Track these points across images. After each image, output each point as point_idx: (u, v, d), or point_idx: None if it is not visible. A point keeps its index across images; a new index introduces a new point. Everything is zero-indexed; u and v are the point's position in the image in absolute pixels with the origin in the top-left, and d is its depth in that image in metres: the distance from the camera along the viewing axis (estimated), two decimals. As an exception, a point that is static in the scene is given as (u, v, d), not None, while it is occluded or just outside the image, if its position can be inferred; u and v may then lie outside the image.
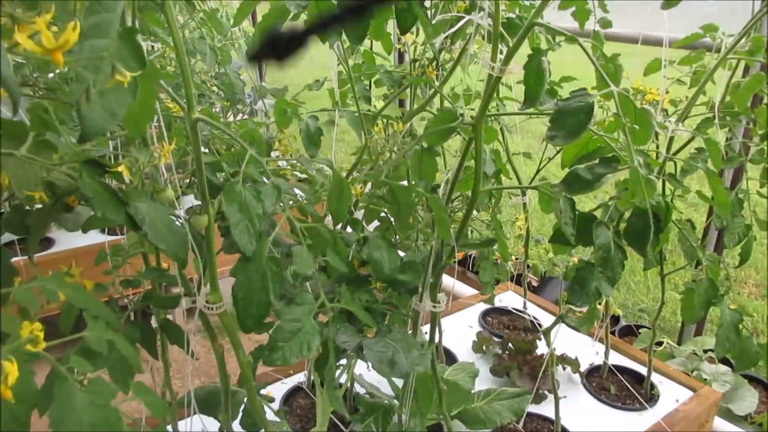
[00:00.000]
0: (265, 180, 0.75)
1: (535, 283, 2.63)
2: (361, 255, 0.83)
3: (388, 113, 1.15)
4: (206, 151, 0.97)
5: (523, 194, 1.50)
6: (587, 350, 1.59)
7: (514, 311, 1.80)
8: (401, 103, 1.62)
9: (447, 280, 1.94)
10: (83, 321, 0.62)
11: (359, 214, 1.00)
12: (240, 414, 0.93)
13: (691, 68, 1.23)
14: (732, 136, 1.24)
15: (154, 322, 0.89)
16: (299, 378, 1.43)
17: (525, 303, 1.79)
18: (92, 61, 0.42)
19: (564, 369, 1.50)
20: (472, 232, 1.40)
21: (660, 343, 2.16)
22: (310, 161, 0.88)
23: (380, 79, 1.23)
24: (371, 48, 1.27)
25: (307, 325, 0.69)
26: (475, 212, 1.25)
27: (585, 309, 1.26)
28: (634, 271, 3.10)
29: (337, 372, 1.19)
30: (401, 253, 0.94)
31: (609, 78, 0.67)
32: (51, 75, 0.82)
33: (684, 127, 1.08)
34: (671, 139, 1.09)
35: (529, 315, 1.75)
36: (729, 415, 1.77)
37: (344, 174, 1.11)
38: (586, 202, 3.22)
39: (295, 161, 0.93)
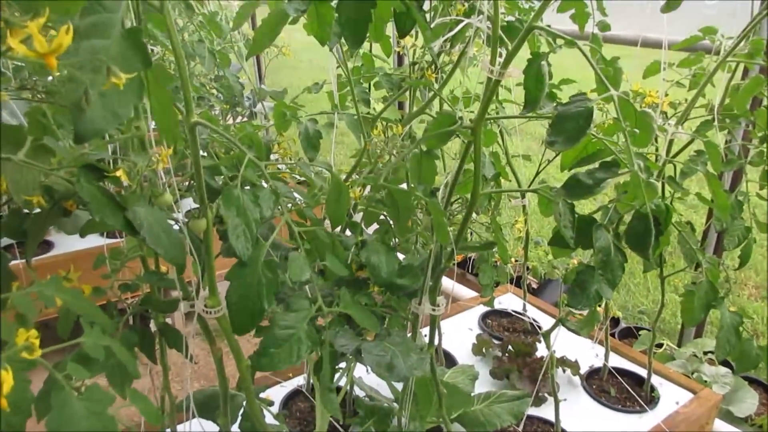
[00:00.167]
0: (263, 184, 0.75)
1: (535, 285, 2.62)
2: (359, 258, 0.83)
3: (387, 116, 1.15)
4: (205, 154, 0.97)
5: (523, 196, 1.49)
6: (587, 352, 1.59)
7: (513, 313, 1.80)
8: (401, 106, 1.62)
9: (446, 283, 1.94)
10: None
11: (358, 217, 1.00)
12: (239, 417, 0.93)
13: (691, 71, 1.23)
14: (731, 138, 1.24)
15: (153, 326, 0.89)
16: (299, 381, 1.43)
17: (525, 305, 1.79)
18: (91, 62, 0.42)
19: (564, 371, 1.50)
20: (471, 234, 1.40)
21: (660, 345, 2.16)
22: (309, 165, 0.87)
23: (380, 82, 1.23)
24: (371, 51, 1.27)
25: (300, 332, 0.69)
26: (474, 215, 1.25)
27: (585, 312, 1.26)
28: (633, 273, 3.10)
29: (337, 375, 1.19)
30: (401, 256, 0.94)
31: (609, 81, 0.67)
32: (50, 78, 0.82)
33: (683, 130, 1.08)
34: (671, 142, 1.09)
35: (528, 317, 1.75)
36: (729, 417, 1.77)
37: (343, 177, 1.11)
38: (585, 204, 3.21)
39: (293, 164, 0.93)
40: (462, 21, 0.89)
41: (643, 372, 1.49)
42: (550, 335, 1.20)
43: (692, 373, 1.93)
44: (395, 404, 1.16)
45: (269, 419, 0.95)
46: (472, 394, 1.26)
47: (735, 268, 1.32)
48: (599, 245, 0.77)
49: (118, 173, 0.66)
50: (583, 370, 1.51)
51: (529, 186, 1.39)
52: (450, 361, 1.56)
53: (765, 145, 1.16)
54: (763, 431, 1.79)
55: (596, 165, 0.78)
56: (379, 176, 0.90)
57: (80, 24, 0.42)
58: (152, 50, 1.17)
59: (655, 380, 1.48)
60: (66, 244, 2.25)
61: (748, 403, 1.82)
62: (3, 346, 0.45)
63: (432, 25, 0.94)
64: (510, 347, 1.52)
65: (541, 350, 1.51)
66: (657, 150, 1.11)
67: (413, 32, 1.09)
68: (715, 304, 1.07)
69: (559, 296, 1.85)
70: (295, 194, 0.88)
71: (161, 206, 0.73)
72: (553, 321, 1.21)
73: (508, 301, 1.88)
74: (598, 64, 0.73)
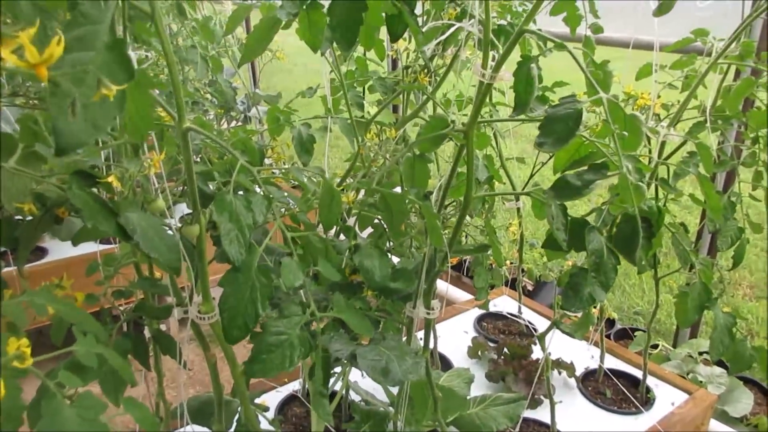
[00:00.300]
0: (256, 189, 0.75)
1: (530, 287, 2.63)
2: (353, 263, 0.83)
3: (381, 119, 1.15)
4: (197, 160, 0.97)
5: (517, 199, 1.50)
6: (583, 354, 1.59)
7: (509, 316, 1.80)
8: (395, 109, 1.62)
9: (441, 285, 1.94)
10: (75, 332, 0.62)
11: (353, 221, 1.00)
12: (234, 424, 0.93)
13: (683, 72, 1.23)
14: (724, 139, 1.24)
15: (147, 333, 0.88)
16: (294, 386, 1.42)
17: (520, 308, 1.79)
18: (76, 74, 0.42)
19: (560, 373, 1.50)
20: (466, 237, 1.40)
21: (655, 346, 2.16)
22: (302, 170, 0.87)
23: (374, 86, 1.23)
24: (364, 54, 1.27)
25: (293, 338, 0.69)
26: (468, 218, 1.25)
27: (580, 314, 1.26)
28: (629, 274, 3.11)
29: (332, 379, 1.19)
30: (395, 260, 0.94)
31: (599, 85, 0.68)
32: (43, 84, 0.82)
33: (676, 131, 1.09)
34: (663, 144, 1.09)
35: (524, 320, 1.75)
36: (724, 417, 1.77)
37: (338, 180, 1.11)
38: (580, 206, 3.22)
39: (286, 170, 0.93)
40: (454, 25, 0.89)
41: (638, 373, 1.49)
42: (545, 338, 1.20)
43: (687, 374, 1.93)
44: (391, 408, 1.16)
45: (264, 425, 0.95)
46: (468, 398, 1.26)
47: (729, 269, 1.32)
48: (592, 248, 0.77)
49: (110, 179, 0.66)
50: (579, 371, 1.51)
51: (523, 188, 1.40)
52: (446, 364, 1.56)
53: (757, 146, 1.17)
54: (759, 431, 1.79)
55: (586, 167, 0.79)
56: (372, 180, 0.90)
57: (66, 36, 0.42)
58: (146, 56, 1.17)
59: (651, 381, 1.49)
60: (60, 250, 2.24)
61: (744, 403, 1.82)
62: (-5, 355, 0.45)
63: (424, 29, 0.95)
64: (505, 350, 1.52)
65: (537, 352, 1.51)
66: (650, 152, 1.11)
67: (406, 36, 1.09)
68: (708, 305, 1.07)
69: (554, 298, 1.86)
70: (289, 199, 0.88)
71: (154, 212, 0.72)
72: (548, 323, 1.21)
73: (504, 303, 1.88)
74: (589, 67, 0.73)
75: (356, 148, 1.10)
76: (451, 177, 0.87)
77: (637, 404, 1.42)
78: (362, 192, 0.96)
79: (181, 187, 0.98)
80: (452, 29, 0.90)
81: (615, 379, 1.50)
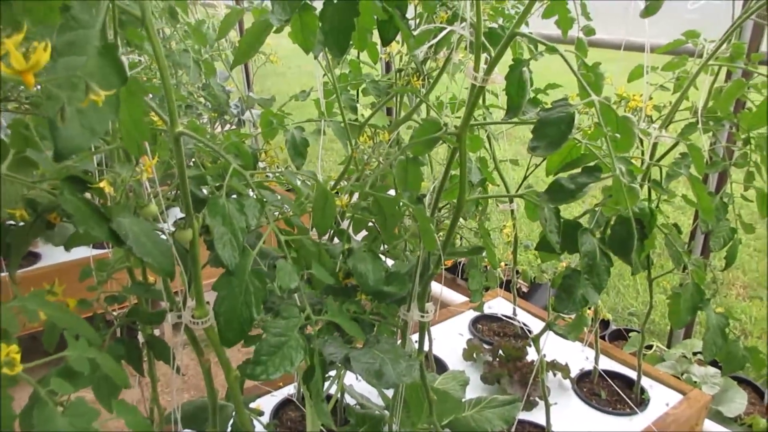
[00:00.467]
0: (250, 192, 0.75)
1: (525, 289, 2.63)
2: (347, 266, 0.83)
3: (375, 122, 1.15)
4: (190, 164, 0.96)
5: (511, 201, 1.50)
6: (577, 355, 1.60)
7: (504, 318, 1.80)
8: (389, 112, 1.63)
9: (435, 288, 1.94)
10: (68, 338, 0.61)
11: (346, 224, 1.00)
12: (229, 429, 0.92)
13: (674, 74, 1.24)
14: (715, 140, 1.25)
15: (140, 338, 0.88)
16: (289, 390, 1.42)
17: (515, 309, 1.80)
18: (67, 79, 0.42)
19: (555, 375, 1.51)
20: (461, 239, 1.40)
21: (650, 347, 2.17)
22: (295, 173, 0.87)
23: (367, 89, 1.23)
24: (358, 57, 1.28)
25: (292, 339, 0.69)
26: (462, 220, 1.26)
27: (574, 315, 1.26)
28: (623, 274, 3.12)
29: (327, 383, 1.18)
30: (390, 262, 0.94)
31: (590, 87, 0.68)
32: (36, 89, 0.81)
33: (668, 133, 1.09)
34: (655, 145, 1.10)
35: (518, 321, 1.76)
36: (719, 417, 1.78)
37: (331, 184, 1.11)
38: (574, 207, 3.23)
39: (279, 173, 0.93)
40: (445, 28, 0.89)
41: (633, 374, 1.49)
42: (540, 339, 1.20)
43: (682, 374, 1.94)
44: (386, 411, 1.16)
45: (259, 429, 0.94)
46: (463, 400, 1.26)
47: (722, 269, 1.33)
48: (585, 250, 0.78)
49: (102, 185, 0.66)
50: (574, 373, 1.51)
51: (517, 190, 1.40)
52: (441, 366, 1.56)
53: (748, 147, 1.18)
54: (753, 431, 1.80)
55: (579, 170, 0.79)
56: (365, 184, 0.90)
57: (57, 41, 0.42)
58: (139, 60, 1.16)
59: (645, 382, 1.49)
60: (53, 255, 2.23)
61: (738, 403, 1.83)
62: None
63: (416, 33, 0.95)
64: (500, 352, 1.52)
65: (532, 354, 1.51)
66: (643, 153, 1.12)
67: (399, 38, 1.09)
68: (701, 306, 1.07)
69: (548, 300, 1.86)
70: (282, 202, 0.88)
71: (147, 217, 0.72)
72: (543, 324, 1.22)
73: (498, 305, 1.88)
74: (581, 69, 0.74)
75: (350, 151, 1.10)
76: (445, 180, 0.87)
77: (632, 405, 1.42)
78: (356, 195, 0.96)
79: (174, 192, 0.98)
80: (443, 33, 0.90)
81: (610, 380, 1.51)
